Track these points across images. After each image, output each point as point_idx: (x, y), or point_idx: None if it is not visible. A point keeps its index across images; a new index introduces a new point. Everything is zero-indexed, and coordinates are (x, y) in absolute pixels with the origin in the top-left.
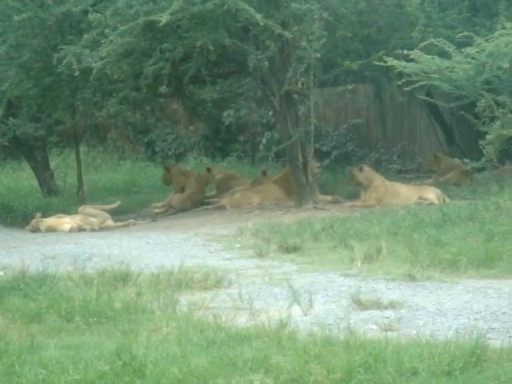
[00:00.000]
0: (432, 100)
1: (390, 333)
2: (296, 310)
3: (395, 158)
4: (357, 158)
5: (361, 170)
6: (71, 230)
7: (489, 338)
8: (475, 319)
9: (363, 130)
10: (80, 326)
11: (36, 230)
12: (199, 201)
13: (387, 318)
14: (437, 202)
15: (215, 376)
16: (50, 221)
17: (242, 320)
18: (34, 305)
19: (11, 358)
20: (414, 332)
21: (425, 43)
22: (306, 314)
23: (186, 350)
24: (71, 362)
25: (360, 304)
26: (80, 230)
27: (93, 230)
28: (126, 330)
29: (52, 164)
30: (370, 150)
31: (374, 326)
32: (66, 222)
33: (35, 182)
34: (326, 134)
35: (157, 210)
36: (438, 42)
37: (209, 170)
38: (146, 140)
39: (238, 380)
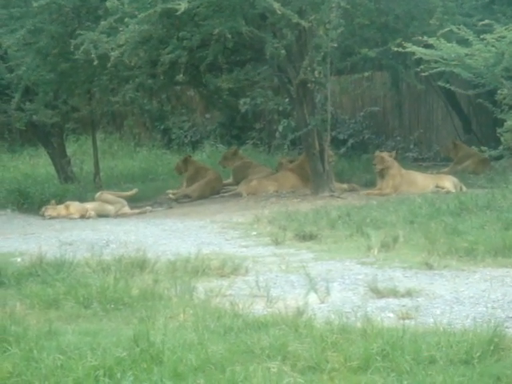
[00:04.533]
0: (451, 87)
1: (407, 321)
2: (313, 298)
3: (412, 146)
4: (373, 145)
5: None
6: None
7: (506, 327)
8: (493, 308)
9: (380, 118)
10: (97, 312)
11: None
12: (217, 188)
13: (404, 306)
14: (454, 190)
15: (232, 363)
16: (60, 209)
17: (259, 307)
18: (52, 291)
19: (29, 344)
20: (432, 320)
21: (445, 30)
22: (322, 302)
23: (204, 337)
24: (89, 347)
25: (377, 292)
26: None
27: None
28: (143, 317)
29: (68, 151)
30: (387, 138)
31: (391, 314)
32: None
33: (52, 169)
34: (342, 122)
35: (171, 196)
36: (458, 29)
37: (236, 152)
38: (162, 127)
39: (255, 367)
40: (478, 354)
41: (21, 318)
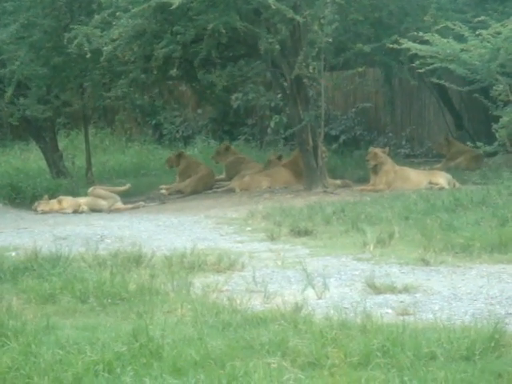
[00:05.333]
0: (444, 83)
1: (406, 317)
2: (310, 294)
3: (404, 142)
4: (365, 142)
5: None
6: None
7: (506, 324)
8: (491, 304)
9: (372, 114)
10: (94, 307)
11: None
12: (210, 184)
13: (402, 302)
14: (447, 186)
15: (232, 358)
16: (53, 204)
17: (257, 303)
18: (48, 285)
19: (28, 338)
20: (431, 316)
21: (440, 26)
22: (320, 298)
23: (202, 332)
24: (88, 342)
25: (374, 288)
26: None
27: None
28: (140, 312)
29: (59, 145)
30: (379, 134)
31: (390, 310)
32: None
33: (43, 164)
34: (334, 118)
35: (163, 191)
36: (454, 25)
37: (228, 148)
38: (153, 122)
39: (255, 363)
40: (479, 351)
41: (18, 313)
